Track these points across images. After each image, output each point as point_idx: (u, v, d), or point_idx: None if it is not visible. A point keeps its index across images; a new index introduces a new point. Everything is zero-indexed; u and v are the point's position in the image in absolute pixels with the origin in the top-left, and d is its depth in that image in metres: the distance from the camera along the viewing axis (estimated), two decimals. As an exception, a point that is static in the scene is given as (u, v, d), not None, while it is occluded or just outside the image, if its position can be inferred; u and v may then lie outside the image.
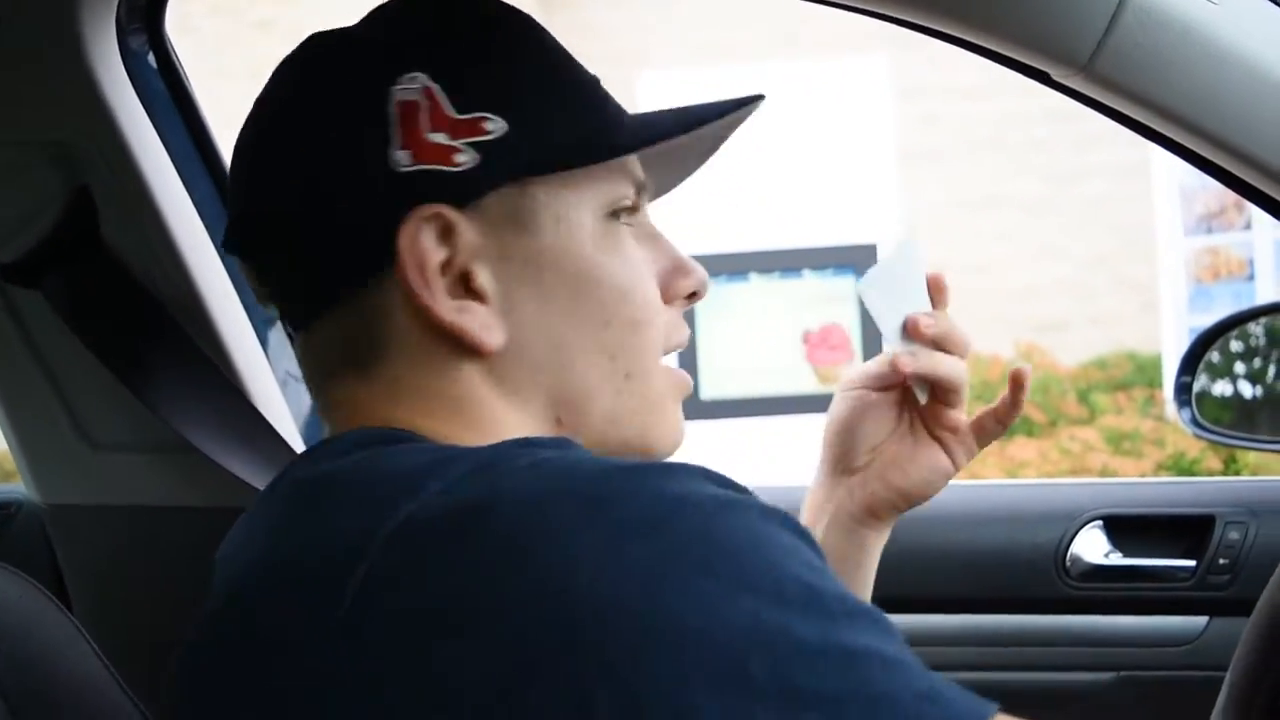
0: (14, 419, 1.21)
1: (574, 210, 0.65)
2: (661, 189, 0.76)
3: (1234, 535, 1.21)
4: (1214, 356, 1.30)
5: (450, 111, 0.62)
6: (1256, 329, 1.37)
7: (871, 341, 3.31)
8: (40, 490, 1.24)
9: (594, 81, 0.68)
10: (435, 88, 0.62)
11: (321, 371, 0.66)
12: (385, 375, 0.63)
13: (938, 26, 0.98)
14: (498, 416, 0.64)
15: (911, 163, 6.08)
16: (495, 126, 0.62)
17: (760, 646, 0.47)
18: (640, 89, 3.25)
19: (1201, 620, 1.22)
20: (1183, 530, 1.27)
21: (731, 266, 3.41)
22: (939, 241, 6.34)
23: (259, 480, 1.05)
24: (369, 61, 0.63)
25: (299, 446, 1.16)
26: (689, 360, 3.50)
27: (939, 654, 1.27)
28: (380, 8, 0.68)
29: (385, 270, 0.62)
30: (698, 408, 3.48)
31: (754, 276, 3.44)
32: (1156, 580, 1.24)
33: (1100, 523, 1.26)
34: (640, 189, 0.69)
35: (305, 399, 1.24)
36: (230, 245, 0.67)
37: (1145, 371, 5.40)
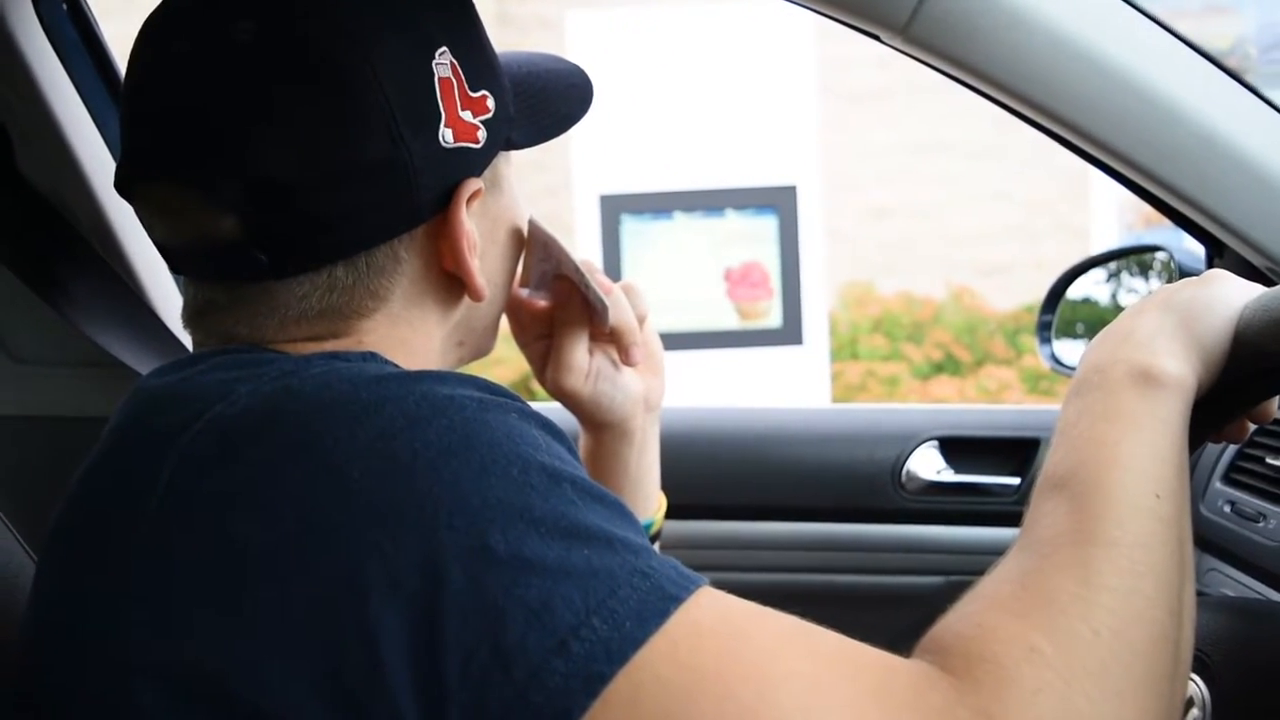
0: (-58, 336, 1.32)
1: (512, 173, 0.73)
2: None
3: None
4: (1077, 295, 1.40)
5: (468, 90, 0.65)
6: (1119, 270, 1.47)
7: (790, 280, 3.44)
8: (-33, 401, 1.35)
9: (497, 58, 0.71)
10: (457, 64, 0.64)
11: (284, 316, 0.65)
12: (370, 319, 0.65)
13: None
14: (433, 346, 0.69)
15: (860, 105, 6.13)
16: (490, 104, 0.67)
17: (500, 521, 0.53)
18: (569, 29, 3.29)
19: (1024, 532, 1.36)
20: (1011, 451, 1.41)
21: (657, 205, 3.51)
22: (883, 184, 6.43)
23: None
24: (411, 34, 0.63)
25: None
26: (614, 295, 3.57)
27: (786, 558, 1.41)
28: None
29: (411, 233, 0.65)
30: (622, 341, 3.56)
31: (679, 215, 3.54)
32: (985, 495, 1.39)
33: (935, 443, 1.40)
34: None
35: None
36: (186, 182, 0.64)
37: (1074, 314, 5.51)
